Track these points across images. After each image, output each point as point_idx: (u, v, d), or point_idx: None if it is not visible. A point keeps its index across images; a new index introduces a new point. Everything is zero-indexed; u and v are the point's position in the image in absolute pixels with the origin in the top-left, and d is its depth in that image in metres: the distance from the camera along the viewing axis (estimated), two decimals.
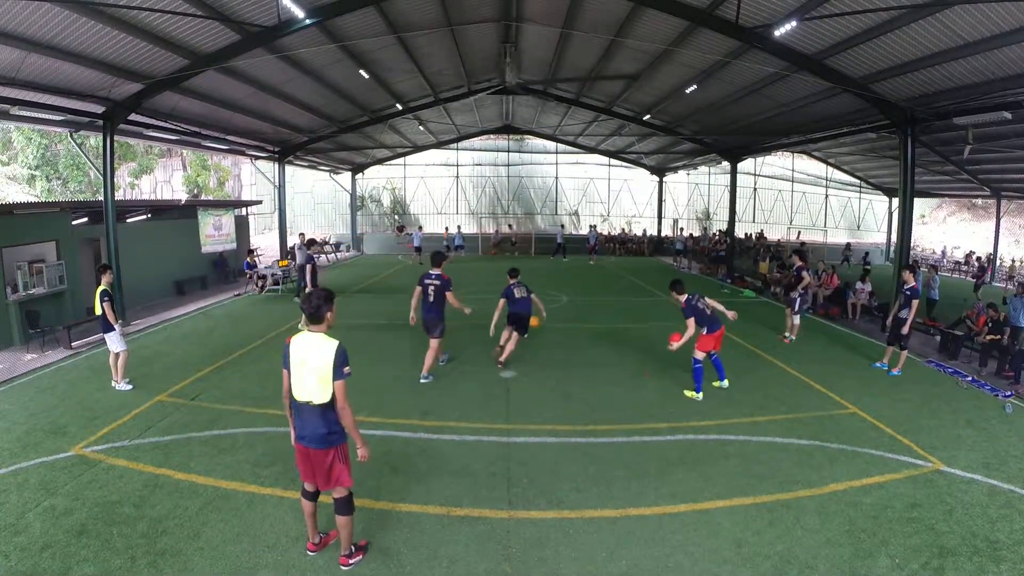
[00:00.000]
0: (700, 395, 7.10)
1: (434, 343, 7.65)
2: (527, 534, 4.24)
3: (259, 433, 5.97)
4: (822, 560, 3.92)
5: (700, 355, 7.08)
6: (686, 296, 7.06)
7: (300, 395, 3.56)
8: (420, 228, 25.95)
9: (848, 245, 24.89)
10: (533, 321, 8.61)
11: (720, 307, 7.29)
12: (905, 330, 8.27)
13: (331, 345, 3.52)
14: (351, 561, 3.81)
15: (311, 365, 3.50)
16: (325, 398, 3.52)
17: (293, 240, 24.58)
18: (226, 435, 5.91)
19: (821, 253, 22.67)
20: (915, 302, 8.21)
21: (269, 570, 3.78)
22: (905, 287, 8.38)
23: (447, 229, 26.67)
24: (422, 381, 7.59)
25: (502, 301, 8.18)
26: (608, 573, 3.83)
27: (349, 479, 3.71)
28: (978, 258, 23.31)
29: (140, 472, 5.08)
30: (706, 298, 7.29)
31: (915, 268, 8.80)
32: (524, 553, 4.02)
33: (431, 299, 7.47)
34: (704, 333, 7.07)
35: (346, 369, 3.53)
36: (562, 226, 26.73)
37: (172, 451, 5.53)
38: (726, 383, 7.50)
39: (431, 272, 7.55)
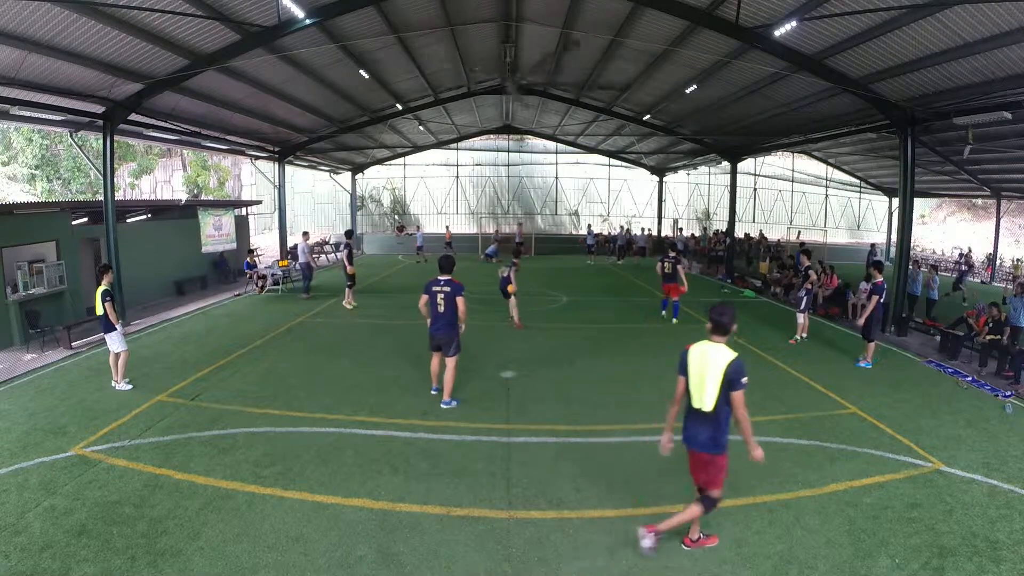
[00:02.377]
0: (664, 314, 11.87)
1: (451, 363, 6.68)
2: (527, 534, 4.24)
3: (259, 433, 5.98)
4: (822, 560, 3.92)
5: (665, 296, 11.77)
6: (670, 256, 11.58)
7: (695, 402, 3.73)
8: (419, 228, 26.02)
9: (873, 246, 24.49)
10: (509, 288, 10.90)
11: (682, 277, 11.53)
12: (860, 322, 8.81)
13: (728, 358, 3.61)
14: (694, 544, 4.01)
15: (709, 375, 3.63)
16: (711, 406, 3.65)
17: (296, 239, 24.71)
18: (226, 435, 5.91)
19: (821, 253, 22.64)
20: (875, 297, 8.65)
21: (269, 570, 3.78)
22: (871, 281, 8.89)
23: (448, 228, 26.62)
24: (443, 407, 6.70)
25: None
26: (608, 573, 3.83)
27: (720, 485, 3.85)
28: (961, 253, 24.01)
29: (140, 472, 5.08)
30: (677, 267, 11.41)
31: (883, 266, 9.28)
32: (524, 553, 4.02)
33: (440, 309, 6.50)
34: (665, 281, 11.54)
35: (744, 380, 3.60)
36: (589, 225, 26.00)
37: (172, 451, 5.53)
38: (675, 321, 11.51)
39: (439, 278, 6.54)
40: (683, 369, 3.81)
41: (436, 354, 6.89)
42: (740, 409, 3.62)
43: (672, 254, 11.63)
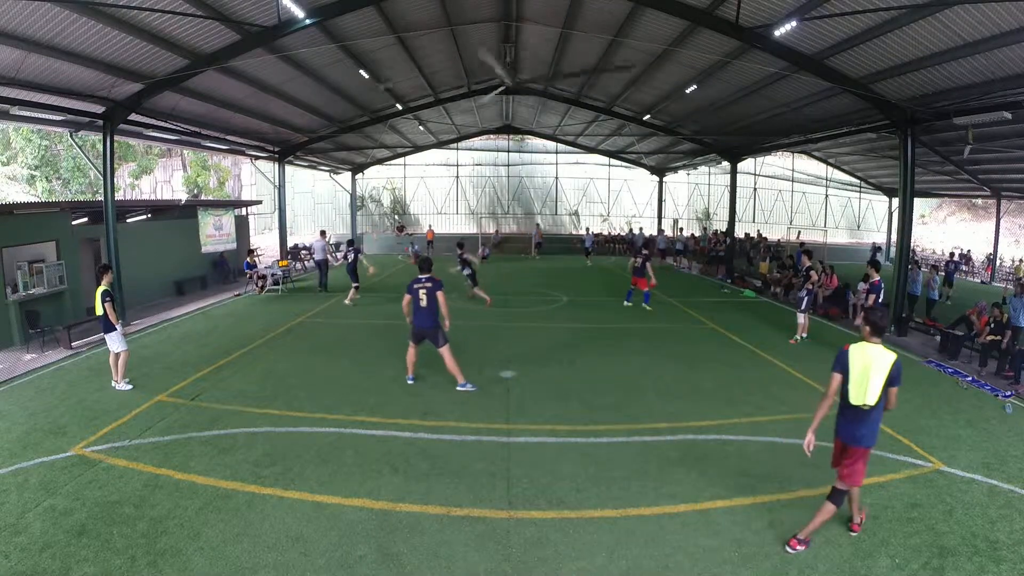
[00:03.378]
0: (628, 304, 13.27)
1: (445, 352, 7.28)
2: (527, 534, 4.24)
3: (259, 433, 5.97)
4: (822, 560, 3.92)
5: (632, 286, 13.33)
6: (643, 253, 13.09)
7: (856, 399, 3.90)
8: (411, 234, 26.18)
9: (875, 245, 24.73)
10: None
11: (650, 273, 12.83)
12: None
13: (891, 357, 3.89)
14: (798, 547, 4.02)
15: (874, 372, 3.86)
16: (875, 400, 3.88)
17: (296, 239, 24.73)
18: (226, 435, 5.91)
19: (821, 253, 22.64)
20: (872, 296, 8.82)
21: (269, 570, 3.78)
22: (868, 280, 8.96)
23: (431, 228, 26.69)
24: (459, 390, 7.28)
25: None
26: (608, 573, 3.83)
27: (860, 480, 4.02)
28: (962, 254, 24.71)
29: (140, 472, 5.08)
30: (647, 264, 12.76)
31: (879, 265, 9.43)
32: (524, 553, 4.02)
33: (423, 303, 7.16)
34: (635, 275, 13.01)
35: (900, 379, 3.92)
36: (588, 227, 27.55)
37: (172, 451, 5.53)
38: (646, 307, 12.86)
39: (420, 277, 7.24)
40: (842, 367, 3.96)
41: (414, 346, 7.52)
42: (895, 402, 3.96)
43: (645, 252, 13.20)
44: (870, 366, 3.85)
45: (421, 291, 7.16)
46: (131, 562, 3.81)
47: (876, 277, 8.81)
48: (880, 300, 8.82)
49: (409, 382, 7.53)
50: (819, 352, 9.66)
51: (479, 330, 10.72)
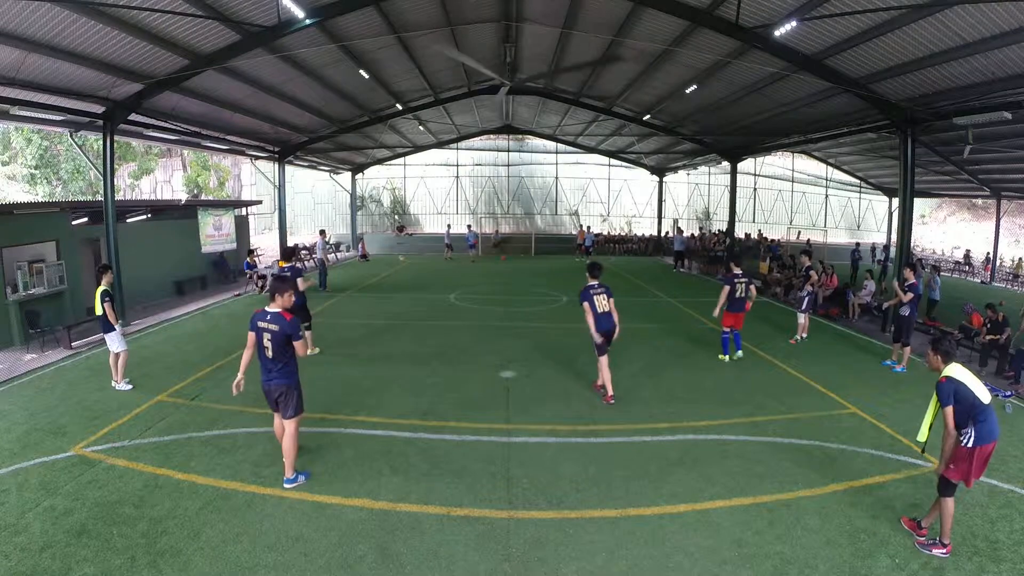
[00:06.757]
0: (726, 358, 8.87)
1: (290, 427, 4.85)
2: (527, 534, 4.24)
3: (259, 433, 5.96)
4: (822, 560, 3.92)
5: (725, 329, 8.89)
6: (732, 272, 8.83)
7: (987, 399, 4.08)
8: (449, 227, 25.65)
9: (857, 245, 24.63)
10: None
11: (753, 294, 8.86)
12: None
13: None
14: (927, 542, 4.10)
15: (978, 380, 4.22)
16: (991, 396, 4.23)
17: (295, 239, 24.71)
18: (226, 435, 5.91)
19: (822, 253, 22.61)
20: (910, 294, 8.53)
21: (269, 570, 3.78)
22: (905, 284, 8.65)
23: (362, 241, 25.61)
24: (286, 487, 4.83)
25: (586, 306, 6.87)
26: (608, 573, 3.83)
27: None
28: (884, 246, 24.65)
29: (140, 472, 5.08)
30: (751, 286, 8.79)
31: (916, 266, 9.04)
32: (524, 553, 4.02)
33: (269, 354, 4.73)
34: (728, 310, 8.70)
35: None
36: (588, 227, 27.84)
37: (172, 451, 5.53)
38: (740, 353, 9.02)
39: (266, 310, 4.77)
40: (959, 395, 4.01)
41: (277, 413, 5.03)
42: None
43: (739, 271, 8.73)
44: (974, 378, 4.12)
45: (266, 335, 4.72)
46: (131, 562, 3.81)
47: (913, 279, 8.55)
48: (916, 302, 8.61)
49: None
50: (819, 352, 9.68)
51: (479, 330, 10.72)
